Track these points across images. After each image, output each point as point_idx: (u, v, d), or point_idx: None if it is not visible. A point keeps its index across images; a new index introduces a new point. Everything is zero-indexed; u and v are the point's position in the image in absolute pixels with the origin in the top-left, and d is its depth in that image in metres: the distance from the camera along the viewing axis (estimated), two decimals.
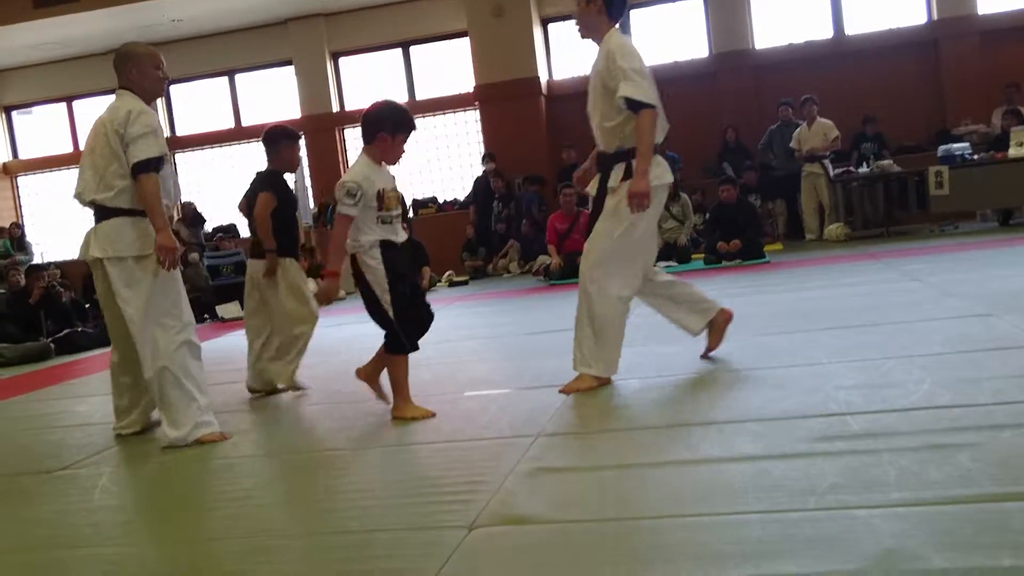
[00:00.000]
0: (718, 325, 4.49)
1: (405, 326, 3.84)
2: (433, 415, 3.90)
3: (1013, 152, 10.14)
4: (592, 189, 4.20)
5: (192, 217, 13.73)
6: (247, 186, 5.26)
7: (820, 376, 3.77)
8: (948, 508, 2.22)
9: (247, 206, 5.15)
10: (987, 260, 7.26)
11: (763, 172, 12.19)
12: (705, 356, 4.47)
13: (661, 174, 4.03)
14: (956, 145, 10.69)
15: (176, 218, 13.46)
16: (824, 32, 13.32)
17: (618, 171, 4.04)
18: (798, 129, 11.41)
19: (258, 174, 5.18)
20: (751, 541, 2.16)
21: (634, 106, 3.91)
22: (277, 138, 5.03)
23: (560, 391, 4.07)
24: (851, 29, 13.15)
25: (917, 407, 3.14)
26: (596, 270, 4.06)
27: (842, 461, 2.66)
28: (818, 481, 2.51)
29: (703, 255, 10.20)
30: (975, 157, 10.50)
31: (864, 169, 11.22)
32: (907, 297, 5.66)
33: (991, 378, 3.41)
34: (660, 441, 3.12)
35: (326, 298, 3.91)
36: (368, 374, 4.09)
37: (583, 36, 4.17)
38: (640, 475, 2.78)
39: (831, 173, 11.18)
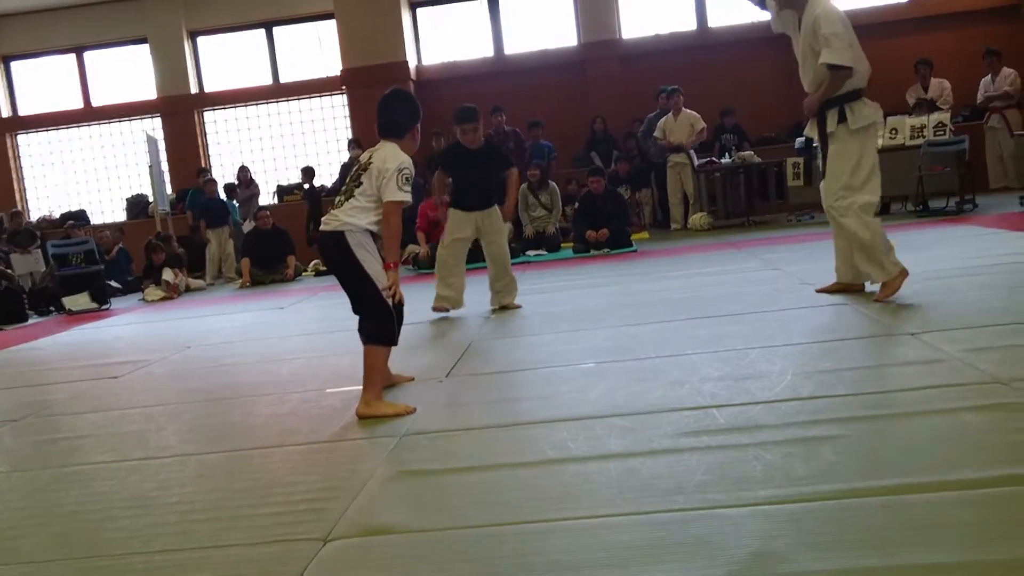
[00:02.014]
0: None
1: (397, 317, 3.72)
2: (414, 410, 3.54)
3: None
4: (810, 132, 5.05)
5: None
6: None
7: (686, 368, 3.76)
8: (814, 505, 2.20)
9: None
10: None
11: (637, 161, 12.32)
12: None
13: (871, 114, 4.77)
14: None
15: None
16: (688, 24, 13.58)
17: (832, 116, 4.75)
18: (663, 119, 11.57)
19: None
20: (620, 547, 2.08)
21: (833, 68, 4.64)
22: None
23: (875, 300, 4.73)
24: (714, 21, 13.46)
25: (781, 399, 3.14)
26: (841, 201, 4.77)
27: (709, 457, 2.62)
28: (686, 479, 2.45)
29: (572, 244, 10.22)
30: None
31: (726, 160, 11.49)
32: (768, 286, 5.77)
33: (849, 368, 3.47)
34: (526, 439, 3.02)
35: (399, 291, 3.67)
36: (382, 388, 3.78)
37: (784, 6, 4.91)
38: (505, 477, 2.66)
39: (695, 163, 11.40)
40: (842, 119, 4.73)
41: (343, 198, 3.71)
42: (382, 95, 3.87)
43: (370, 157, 3.73)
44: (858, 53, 4.72)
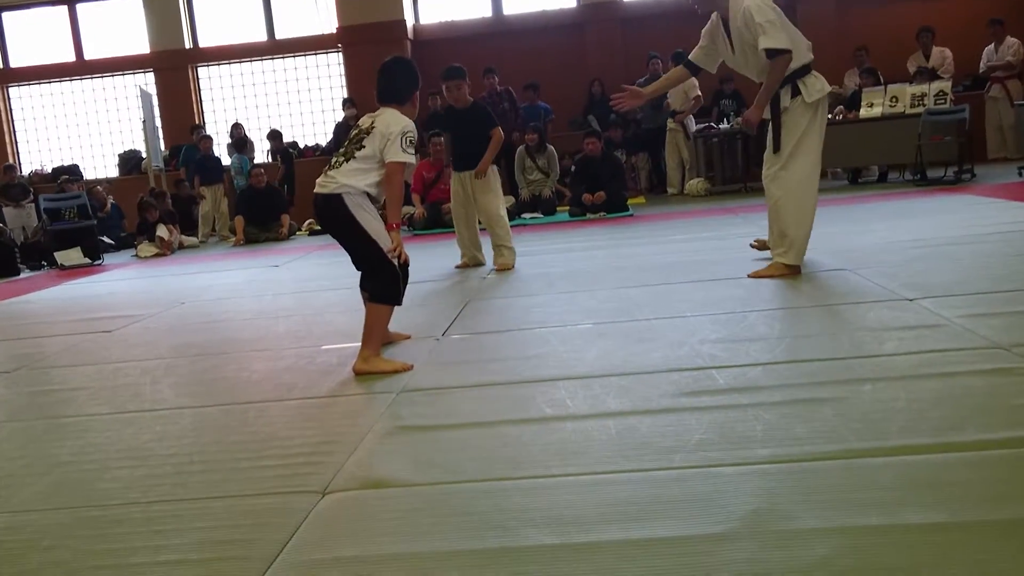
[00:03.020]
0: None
1: (403, 276, 3.70)
2: (411, 367, 3.55)
3: (864, 112, 10.50)
4: (765, 114, 4.94)
5: None
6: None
7: (684, 329, 3.74)
8: (814, 465, 2.19)
9: None
10: (839, 216, 7.48)
11: (628, 127, 12.24)
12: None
13: (822, 87, 4.80)
14: None
15: None
16: None
17: (786, 92, 4.76)
18: None
19: None
20: (619, 502, 2.07)
21: (771, 54, 4.65)
22: None
23: (750, 275, 4.84)
24: None
25: (780, 361, 3.13)
26: (782, 172, 4.77)
27: (709, 416, 2.61)
28: (685, 438, 2.45)
29: (568, 207, 10.17)
30: (828, 116, 10.81)
31: (725, 126, 11.42)
32: (766, 251, 5.74)
33: (849, 331, 3.46)
34: (524, 397, 3.00)
35: (404, 252, 3.67)
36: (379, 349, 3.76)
37: (704, 8, 4.99)
38: (504, 433, 2.65)
39: (690, 131, 11.33)
40: (796, 94, 4.74)
41: (341, 159, 3.70)
42: (383, 62, 3.88)
43: (372, 122, 3.73)
44: (793, 32, 4.74)
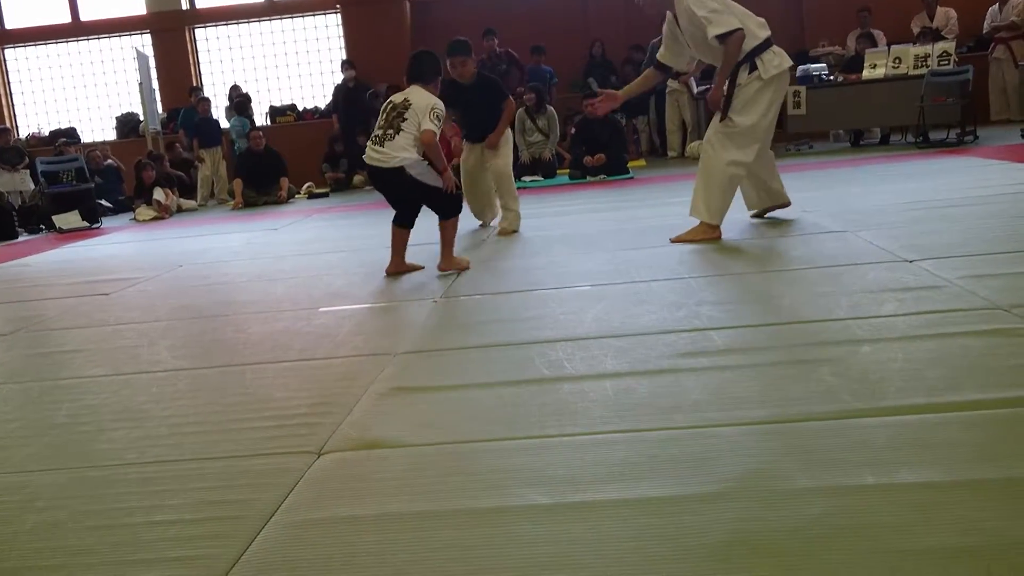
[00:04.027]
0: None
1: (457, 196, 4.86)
2: (469, 265, 4.82)
3: (866, 74, 10.40)
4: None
5: None
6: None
7: (683, 291, 3.73)
8: (811, 425, 2.19)
9: None
10: (841, 178, 7.45)
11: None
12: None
13: (780, 63, 4.87)
14: (814, 66, 10.90)
15: None
16: None
17: (744, 69, 4.83)
18: None
19: None
20: (615, 462, 2.07)
21: (722, 39, 4.75)
22: None
23: (672, 240, 4.97)
24: None
25: (779, 322, 3.12)
26: (717, 138, 4.94)
27: (706, 377, 2.60)
28: (682, 398, 2.44)
29: (568, 170, 10.12)
30: (831, 78, 10.73)
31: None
32: (771, 213, 5.71)
33: (848, 293, 3.44)
34: (521, 358, 2.99)
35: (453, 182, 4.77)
36: (398, 266, 4.88)
37: (650, 13, 5.13)
38: (501, 394, 2.65)
39: (695, 91, 11.24)
40: (753, 70, 4.81)
41: (392, 132, 4.61)
42: (412, 53, 4.95)
43: (405, 99, 4.65)
44: (741, 13, 4.85)
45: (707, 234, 4.93)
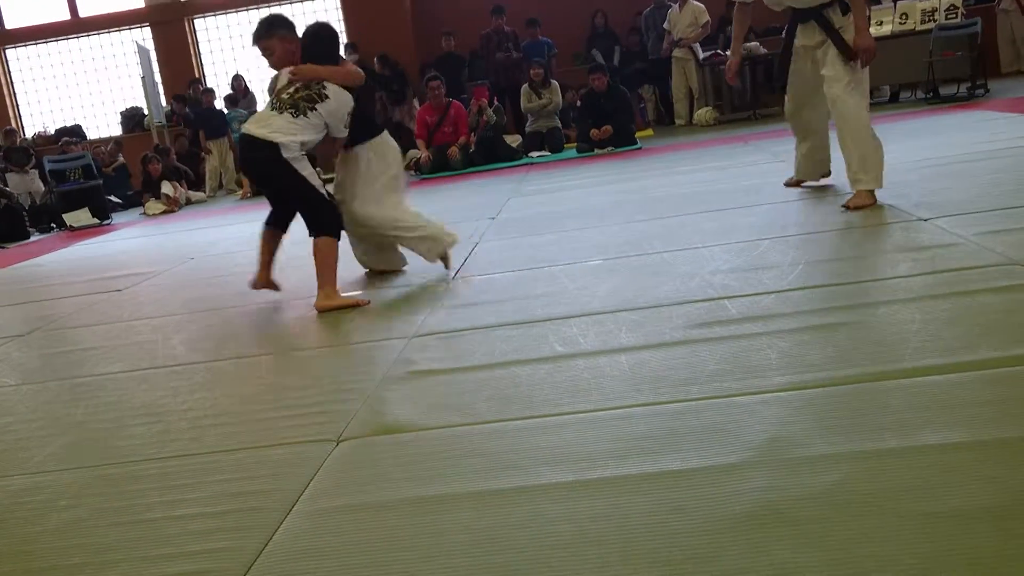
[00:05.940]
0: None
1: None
2: (368, 303, 3.77)
3: (873, 31, 10.22)
4: (806, 39, 4.55)
5: None
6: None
7: (695, 261, 3.70)
8: (829, 390, 2.17)
9: None
10: None
11: (637, 62, 12.07)
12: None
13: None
14: None
15: None
16: None
17: (835, 12, 4.39)
18: (670, 10, 11.29)
19: None
20: (634, 437, 2.06)
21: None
22: None
23: (844, 206, 4.31)
24: None
25: (793, 288, 3.10)
26: (845, 89, 4.36)
27: (722, 347, 2.59)
28: (699, 370, 2.43)
29: (575, 144, 10.06)
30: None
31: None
32: (776, 178, 5.64)
33: (862, 256, 3.42)
34: (535, 336, 2.98)
35: None
36: (265, 279, 4.14)
37: None
38: (516, 373, 2.64)
39: (700, 58, 11.14)
40: (847, 11, 4.37)
41: (292, 112, 3.83)
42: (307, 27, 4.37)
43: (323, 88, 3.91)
44: None
45: (869, 200, 4.34)
